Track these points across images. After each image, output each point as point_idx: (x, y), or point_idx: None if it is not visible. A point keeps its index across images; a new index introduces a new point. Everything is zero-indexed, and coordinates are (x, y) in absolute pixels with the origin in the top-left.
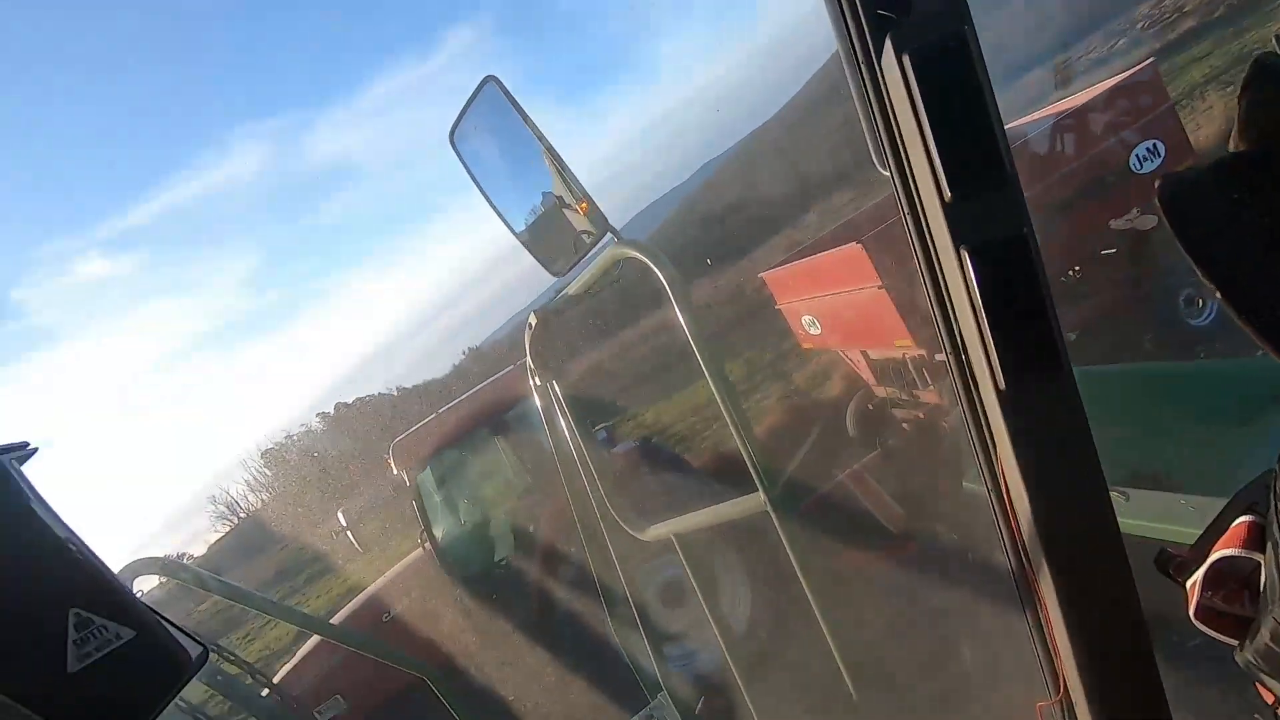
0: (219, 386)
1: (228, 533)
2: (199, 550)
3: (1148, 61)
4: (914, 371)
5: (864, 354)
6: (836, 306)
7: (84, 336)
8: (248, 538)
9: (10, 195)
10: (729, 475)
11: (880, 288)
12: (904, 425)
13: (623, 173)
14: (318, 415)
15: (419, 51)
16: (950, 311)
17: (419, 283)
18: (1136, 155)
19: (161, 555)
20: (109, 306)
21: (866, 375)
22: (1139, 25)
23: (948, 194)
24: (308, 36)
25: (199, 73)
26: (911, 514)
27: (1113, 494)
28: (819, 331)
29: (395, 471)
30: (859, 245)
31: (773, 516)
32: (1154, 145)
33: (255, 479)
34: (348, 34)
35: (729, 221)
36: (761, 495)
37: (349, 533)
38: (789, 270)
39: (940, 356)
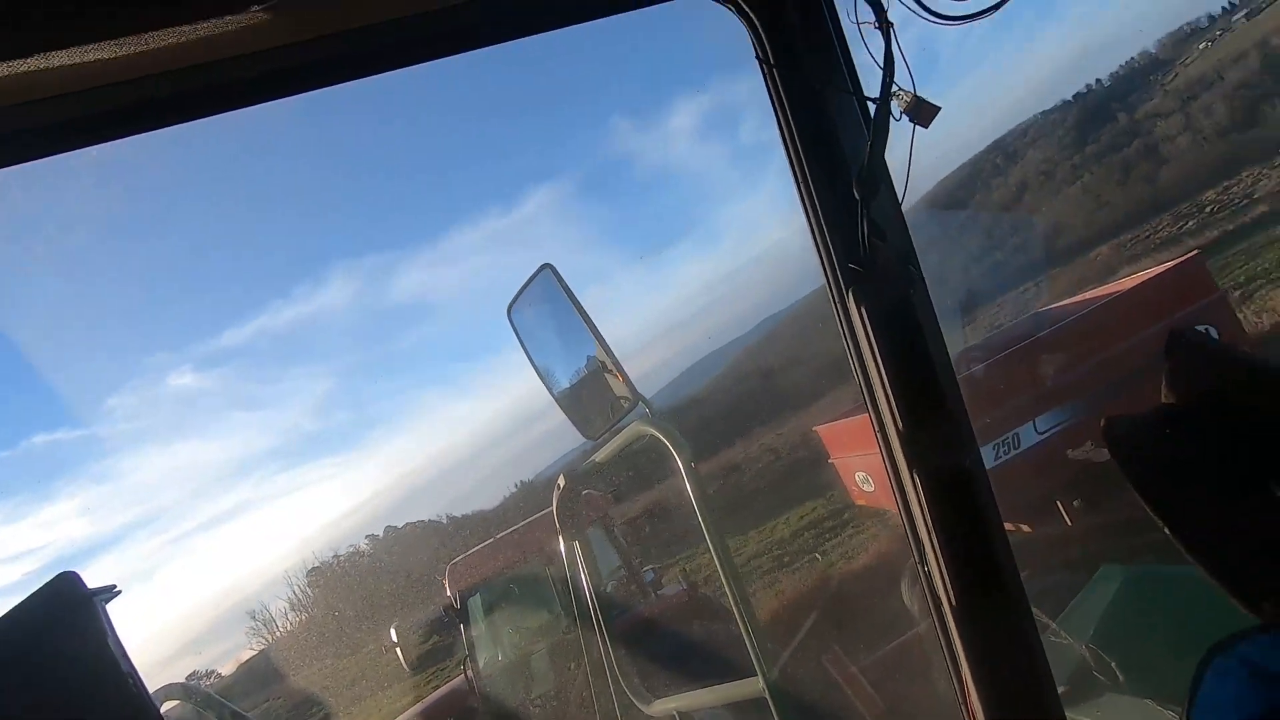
0: (277, 501)
1: (261, 651)
2: (228, 669)
3: (1194, 253)
4: None
5: None
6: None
7: (163, 445)
8: (280, 658)
9: (128, 311)
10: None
11: None
12: None
13: (686, 321)
14: (367, 537)
15: (503, 205)
16: (912, 529)
17: (477, 415)
18: None
19: (189, 675)
20: (189, 418)
21: None
22: (1207, 209)
23: (901, 423)
24: (408, 187)
25: (310, 214)
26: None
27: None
28: (873, 489)
29: (449, 593)
30: None
31: (770, 704)
32: (1207, 330)
33: (297, 597)
34: (444, 187)
35: (790, 373)
36: (760, 681)
37: (398, 650)
38: (844, 425)
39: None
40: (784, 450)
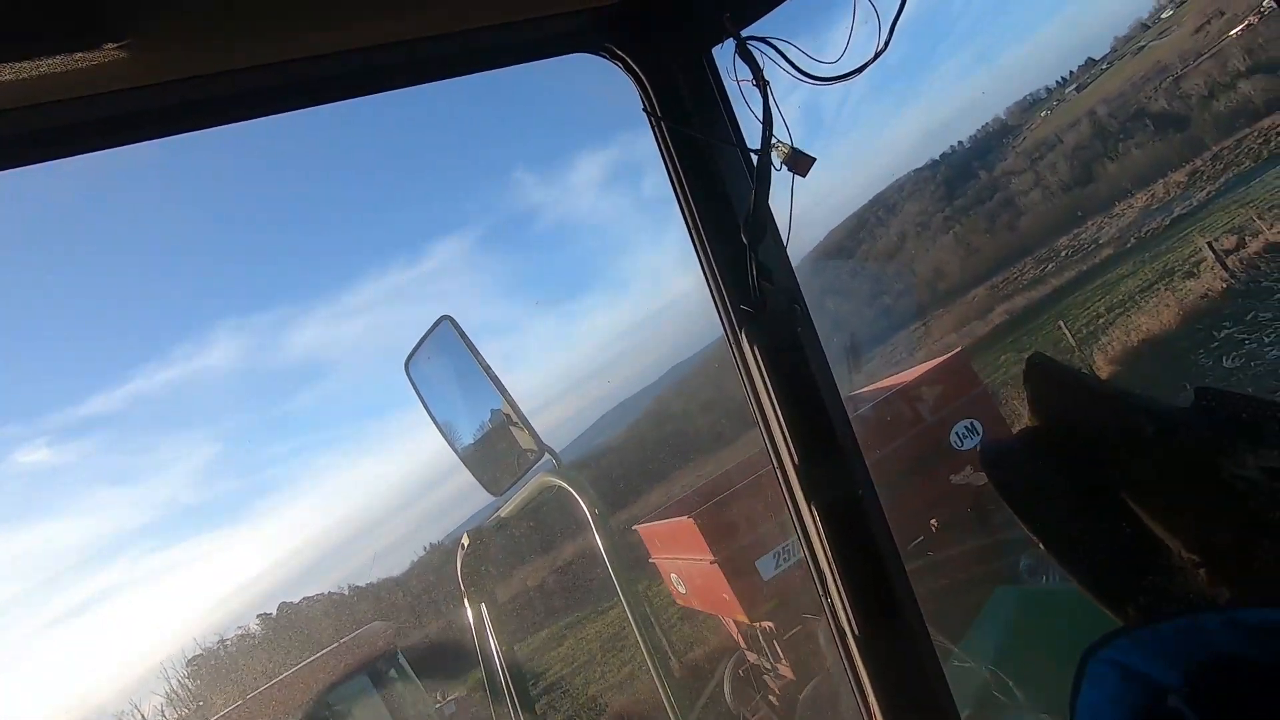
0: (151, 585)
1: None
2: None
3: (958, 350)
4: (765, 644)
5: (732, 617)
6: (691, 571)
7: (9, 529)
8: None
9: None
10: None
11: (712, 562)
12: (771, 699)
13: (597, 372)
14: (258, 617)
15: (407, 258)
16: (813, 561)
17: (382, 477)
18: (956, 433)
19: None
20: (43, 498)
21: (738, 638)
22: (1063, 253)
23: (796, 458)
24: (303, 239)
25: (191, 267)
26: None
27: None
28: (685, 591)
29: None
30: (690, 519)
31: None
32: (971, 424)
33: (175, 691)
34: (342, 240)
35: (704, 417)
36: None
37: None
38: (653, 528)
39: (792, 630)
40: None
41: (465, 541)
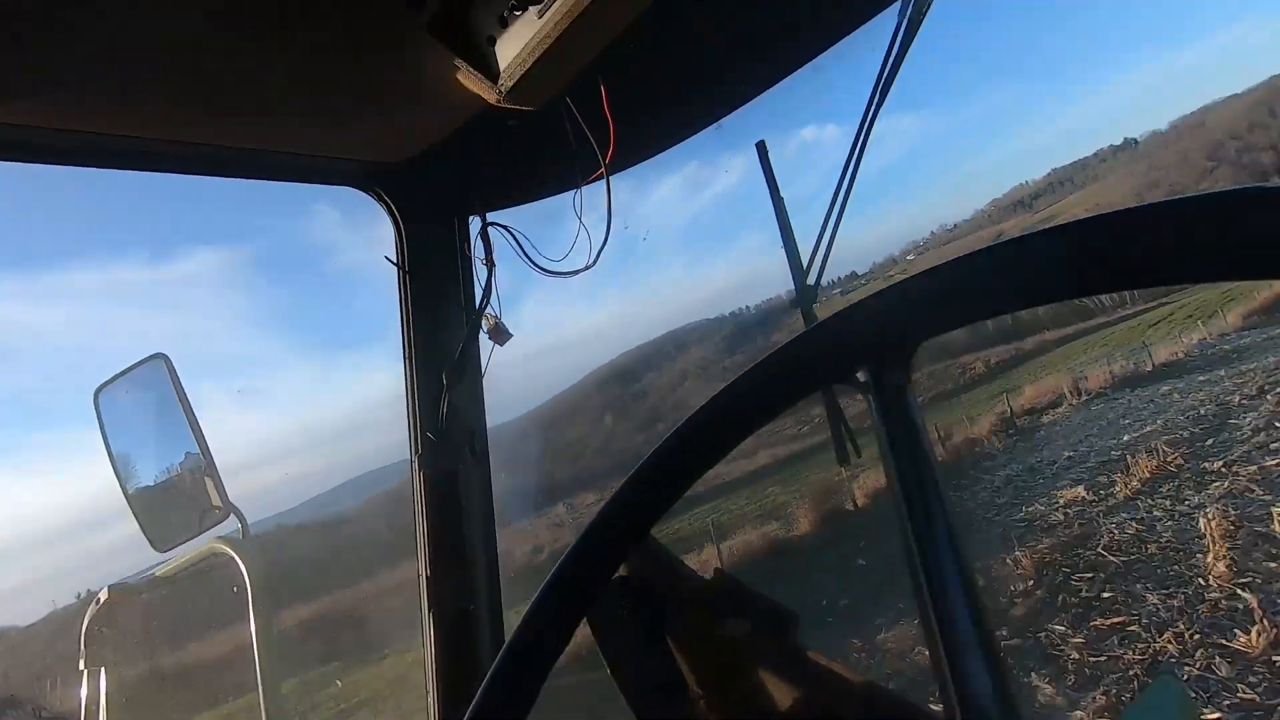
0: None
1: None
2: None
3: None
4: None
5: None
6: None
7: None
8: None
9: None
10: None
11: None
12: None
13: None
14: None
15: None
16: (425, 667)
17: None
18: None
19: None
20: None
21: None
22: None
23: (429, 570)
24: None
25: None
26: None
27: None
28: None
29: None
30: None
31: None
32: None
33: None
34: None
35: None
36: None
37: None
38: None
39: None
40: None
41: (104, 595)
